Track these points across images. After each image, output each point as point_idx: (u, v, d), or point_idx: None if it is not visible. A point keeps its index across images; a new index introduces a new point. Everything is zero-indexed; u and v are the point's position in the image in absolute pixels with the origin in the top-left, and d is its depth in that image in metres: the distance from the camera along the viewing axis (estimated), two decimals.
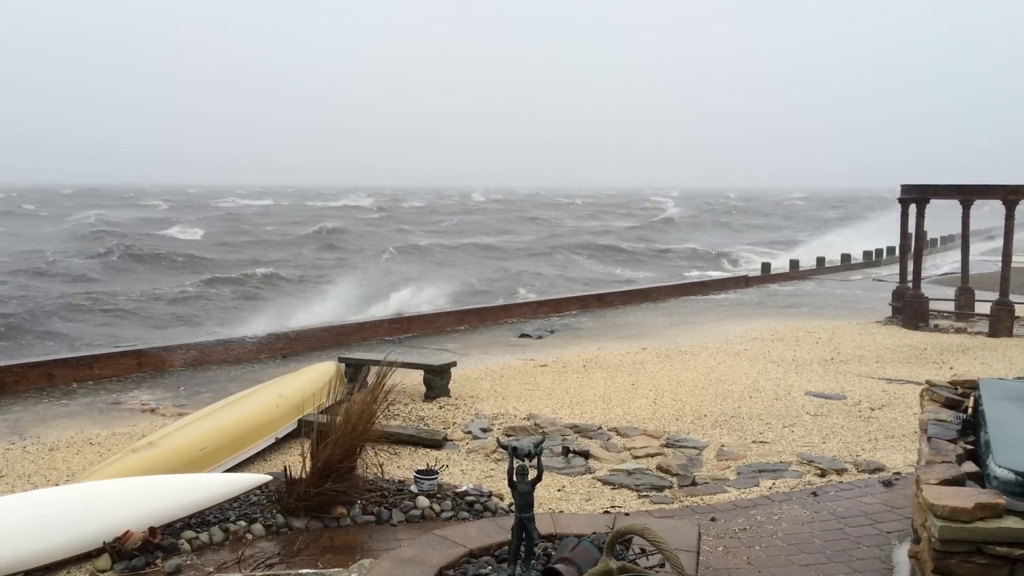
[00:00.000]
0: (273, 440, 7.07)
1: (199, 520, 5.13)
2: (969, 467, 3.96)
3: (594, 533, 4.28)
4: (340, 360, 9.32)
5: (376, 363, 9.12)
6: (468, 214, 73.34)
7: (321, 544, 5.00)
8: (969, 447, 4.29)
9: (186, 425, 6.65)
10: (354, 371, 9.18)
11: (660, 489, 6.20)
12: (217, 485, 5.24)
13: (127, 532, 4.77)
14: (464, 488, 5.80)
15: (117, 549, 4.71)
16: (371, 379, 6.09)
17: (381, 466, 5.88)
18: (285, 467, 5.48)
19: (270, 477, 5.57)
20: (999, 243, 15.62)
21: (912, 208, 14.83)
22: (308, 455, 5.41)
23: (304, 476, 5.33)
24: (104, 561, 4.69)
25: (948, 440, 4.34)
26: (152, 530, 4.83)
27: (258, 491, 5.53)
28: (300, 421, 7.25)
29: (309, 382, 8.01)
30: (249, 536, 5.06)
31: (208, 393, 9.31)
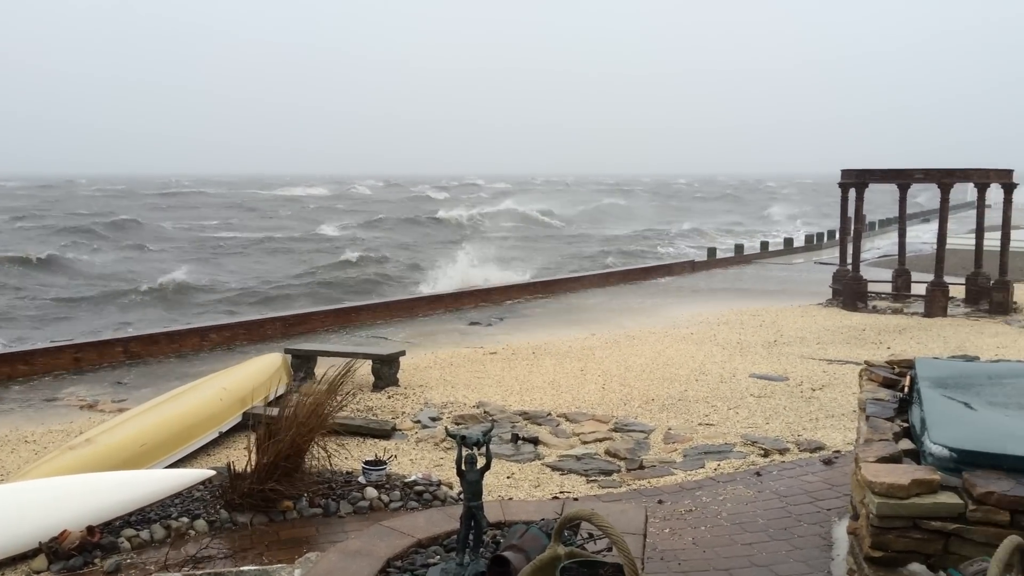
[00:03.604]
0: (216, 434, 6.94)
1: (140, 518, 5.02)
2: (906, 444, 4.06)
3: (543, 519, 4.28)
4: (286, 351, 9.20)
5: (323, 353, 9.05)
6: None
7: (267, 539, 4.93)
8: (905, 425, 4.39)
9: (126, 421, 6.50)
10: (300, 362, 9.08)
11: (608, 473, 6.25)
12: (158, 481, 5.13)
13: (64, 531, 4.65)
14: (413, 478, 5.78)
15: (54, 549, 4.58)
16: (319, 371, 6.01)
17: (329, 458, 5.81)
18: (229, 462, 5.38)
19: (213, 472, 5.47)
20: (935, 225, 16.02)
21: (852, 192, 15.15)
22: (254, 449, 5.32)
23: (249, 470, 5.25)
24: (40, 562, 4.56)
25: (885, 418, 4.44)
26: (90, 529, 4.71)
27: (201, 486, 5.42)
28: (245, 414, 7.14)
29: (254, 374, 7.88)
30: (192, 532, 4.96)
31: (149, 388, 9.11)
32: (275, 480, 5.20)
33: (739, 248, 26.20)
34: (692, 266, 22.38)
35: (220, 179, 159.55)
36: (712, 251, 25.34)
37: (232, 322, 12.57)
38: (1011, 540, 2.69)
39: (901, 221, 16.56)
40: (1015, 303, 14.20)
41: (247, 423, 6.83)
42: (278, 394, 7.39)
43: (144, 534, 4.87)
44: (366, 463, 5.83)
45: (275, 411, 5.53)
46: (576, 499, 5.55)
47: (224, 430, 7.05)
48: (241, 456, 5.48)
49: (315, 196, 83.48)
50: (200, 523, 5.03)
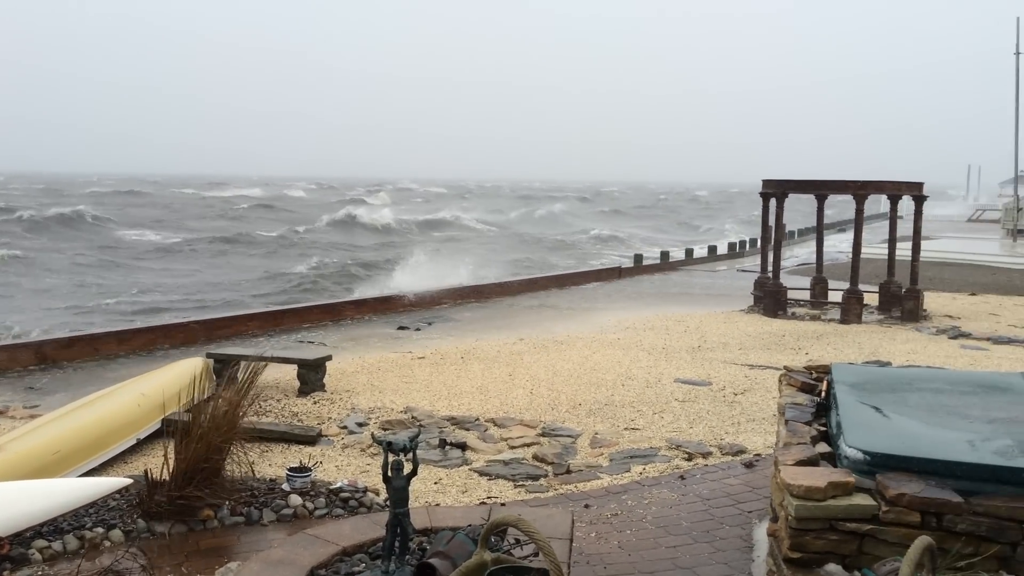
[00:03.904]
0: (135, 441, 6.74)
1: (52, 528, 4.83)
2: (823, 448, 4.18)
3: (469, 525, 4.28)
4: (208, 356, 8.98)
5: (247, 358, 8.84)
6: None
7: (186, 549, 4.80)
8: (823, 429, 4.53)
9: (38, 428, 6.25)
10: (223, 367, 8.86)
11: (536, 478, 6.28)
12: (71, 490, 4.93)
13: None
14: (339, 484, 5.70)
15: None
16: (240, 375, 5.89)
17: (251, 464, 5.70)
18: (146, 469, 5.23)
19: (130, 480, 5.29)
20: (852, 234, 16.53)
21: (772, 202, 15.56)
22: (172, 455, 5.18)
23: (167, 478, 5.11)
24: None
25: (804, 422, 4.57)
26: None
27: (117, 495, 5.24)
28: (164, 421, 6.94)
29: (173, 379, 7.67)
30: (107, 543, 4.80)
31: (63, 393, 8.78)
32: (195, 487, 5.07)
33: (665, 255, 26.65)
34: (619, 272, 22.67)
35: (144, 178, 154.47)
36: (639, 257, 25.70)
37: (152, 325, 12.23)
38: (921, 540, 2.80)
39: (819, 230, 17.10)
40: (925, 310, 14.79)
41: (166, 430, 6.65)
42: (200, 399, 7.21)
43: (56, 545, 4.69)
44: (290, 470, 5.73)
45: (193, 416, 5.40)
46: (503, 504, 5.56)
47: (142, 437, 6.85)
48: (160, 463, 5.33)
49: (249, 197, 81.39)
50: (116, 533, 4.87)
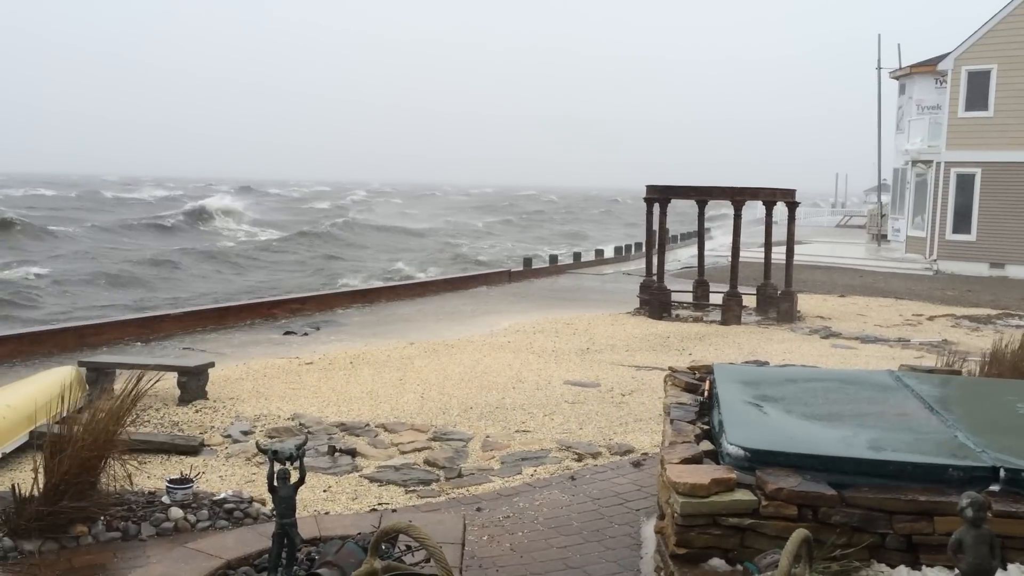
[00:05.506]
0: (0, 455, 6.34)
1: None
2: (706, 446, 4.33)
3: (359, 533, 4.22)
4: (80, 364, 8.54)
5: (123, 366, 8.46)
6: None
7: (58, 568, 4.54)
8: (706, 427, 4.69)
9: None
10: (97, 375, 8.45)
11: (427, 483, 6.25)
12: None
13: None
14: (222, 495, 5.51)
15: None
16: (118, 384, 5.62)
17: (129, 477, 5.44)
18: (13, 484, 4.92)
19: None
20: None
21: (656, 207, 16.01)
22: (41, 469, 4.90)
23: (37, 492, 4.82)
24: None
25: (688, 421, 4.72)
26: None
27: None
28: (32, 433, 6.56)
29: (42, 389, 7.24)
30: None
31: None
32: (67, 501, 4.80)
33: (553, 258, 27.01)
34: (509, 276, 22.83)
35: None
36: (528, 261, 25.94)
37: (17, 333, 11.51)
38: (799, 533, 2.93)
39: (700, 234, 17.69)
40: (799, 311, 15.52)
41: (35, 443, 6.28)
42: (71, 410, 6.84)
43: None
44: (170, 481, 5.51)
45: (66, 428, 5.11)
46: (395, 510, 5.51)
47: (8, 451, 6.45)
48: (28, 478, 5.03)
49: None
50: None
